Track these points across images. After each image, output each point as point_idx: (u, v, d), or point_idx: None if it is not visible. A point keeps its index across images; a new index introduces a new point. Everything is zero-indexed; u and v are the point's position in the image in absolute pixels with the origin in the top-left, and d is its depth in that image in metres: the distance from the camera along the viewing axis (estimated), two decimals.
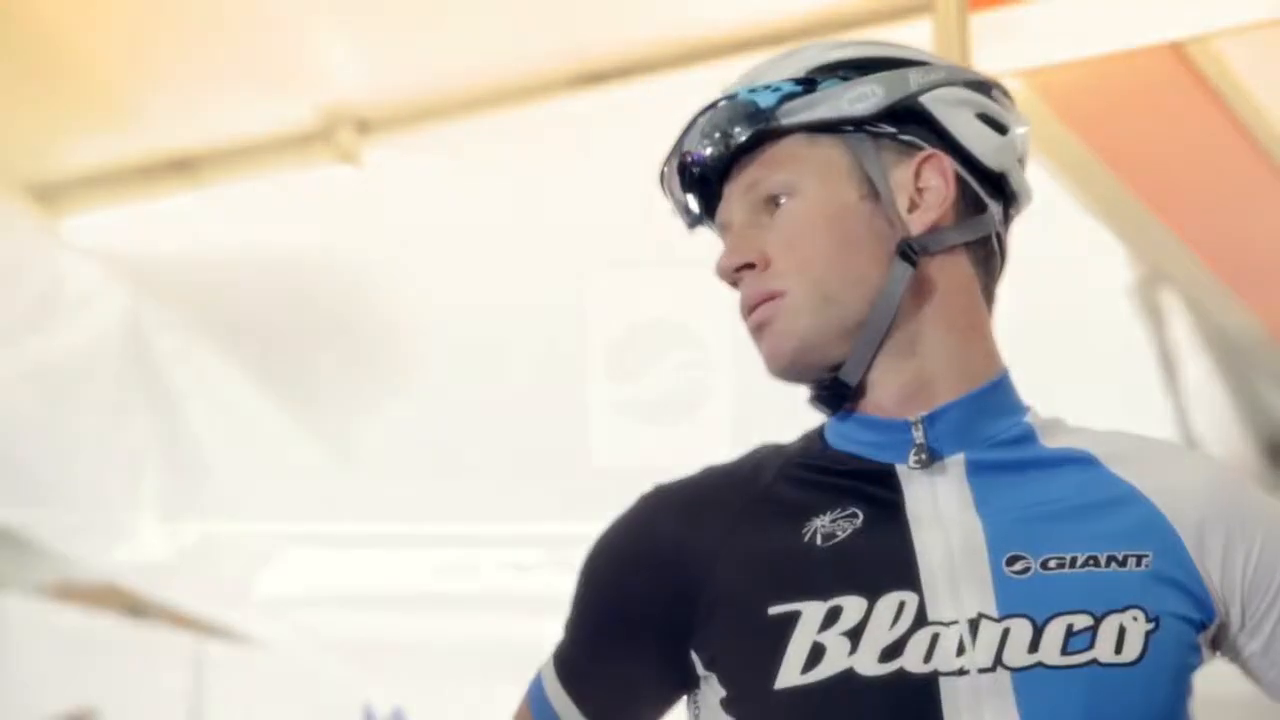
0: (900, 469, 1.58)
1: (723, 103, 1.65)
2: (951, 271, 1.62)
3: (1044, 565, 1.53)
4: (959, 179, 1.62)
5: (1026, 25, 3.36)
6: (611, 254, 3.85)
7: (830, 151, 1.62)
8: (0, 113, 3.94)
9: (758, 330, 1.62)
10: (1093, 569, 1.53)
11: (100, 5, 3.74)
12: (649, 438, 3.86)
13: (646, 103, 3.69)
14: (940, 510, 1.56)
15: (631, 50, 3.77)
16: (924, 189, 1.61)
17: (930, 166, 1.61)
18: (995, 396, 1.62)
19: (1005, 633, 1.50)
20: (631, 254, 3.72)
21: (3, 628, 4.64)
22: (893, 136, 1.62)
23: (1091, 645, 1.50)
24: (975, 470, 1.58)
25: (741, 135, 1.62)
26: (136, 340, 4.38)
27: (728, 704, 1.56)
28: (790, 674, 1.50)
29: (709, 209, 1.68)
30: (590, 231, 3.89)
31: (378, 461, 4.48)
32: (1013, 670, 1.49)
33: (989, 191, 1.64)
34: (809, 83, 1.63)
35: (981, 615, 1.51)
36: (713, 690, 1.58)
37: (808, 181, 1.61)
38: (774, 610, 1.53)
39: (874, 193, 1.61)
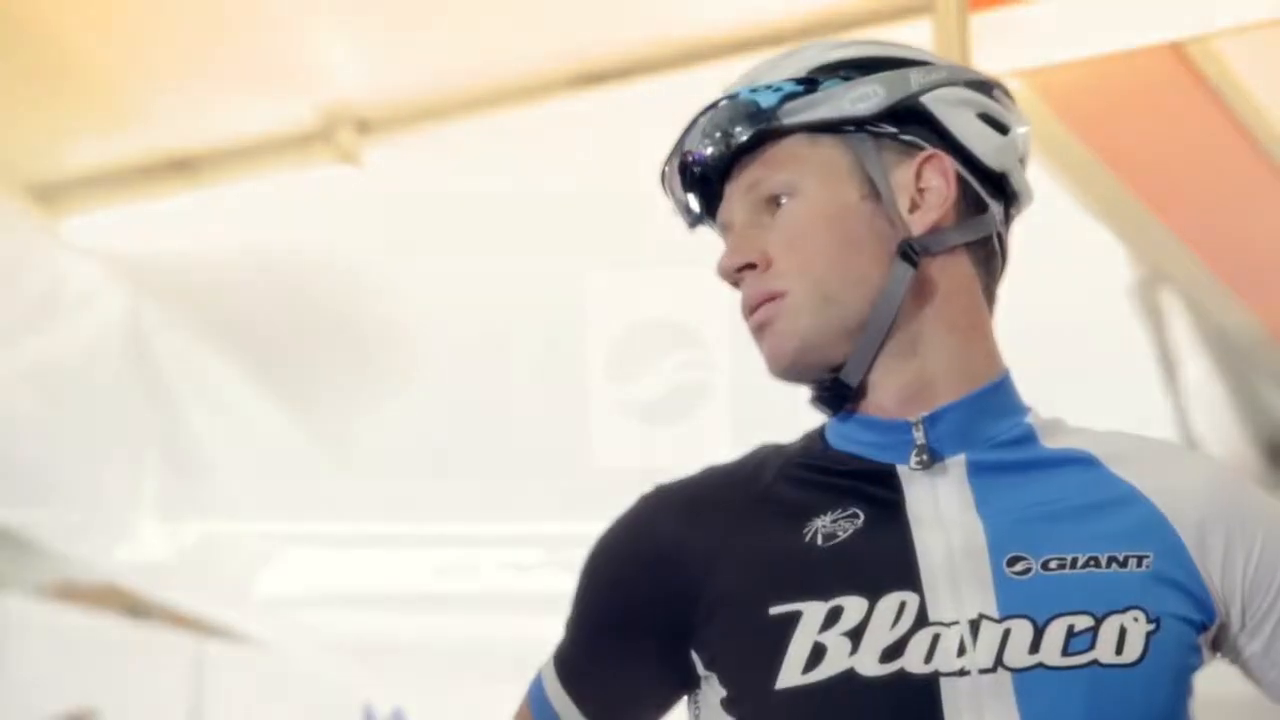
0: (901, 469, 1.58)
1: (724, 102, 1.65)
2: (953, 272, 1.62)
3: (1045, 566, 1.53)
4: (960, 179, 1.62)
5: (1026, 25, 3.36)
6: (611, 254, 3.85)
7: (831, 151, 1.62)
8: (0, 113, 3.95)
9: (759, 330, 1.62)
10: (1093, 570, 1.53)
11: (100, 6, 3.74)
12: (649, 438, 3.86)
13: (646, 103, 3.69)
14: (941, 511, 1.56)
15: (631, 50, 3.77)
16: (925, 189, 1.61)
17: (931, 167, 1.61)
18: (996, 397, 1.62)
19: (1006, 633, 1.50)
20: (631, 254, 3.72)
21: (3, 628, 4.64)
22: (894, 136, 1.62)
23: (1092, 646, 1.50)
24: (976, 471, 1.58)
25: (743, 135, 1.62)
26: (136, 340, 4.38)
27: (728, 704, 1.56)
28: (791, 674, 1.50)
29: (710, 208, 1.68)
30: (590, 231, 3.89)
31: (378, 461, 4.48)
32: (1013, 671, 1.49)
33: (990, 191, 1.64)
34: (810, 82, 1.63)
35: (982, 616, 1.51)
36: (713, 690, 1.58)
37: (809, 181, 1.61)
38: (775, 610, 1.53)
39: (875, 193, 1.61)
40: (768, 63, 1.67)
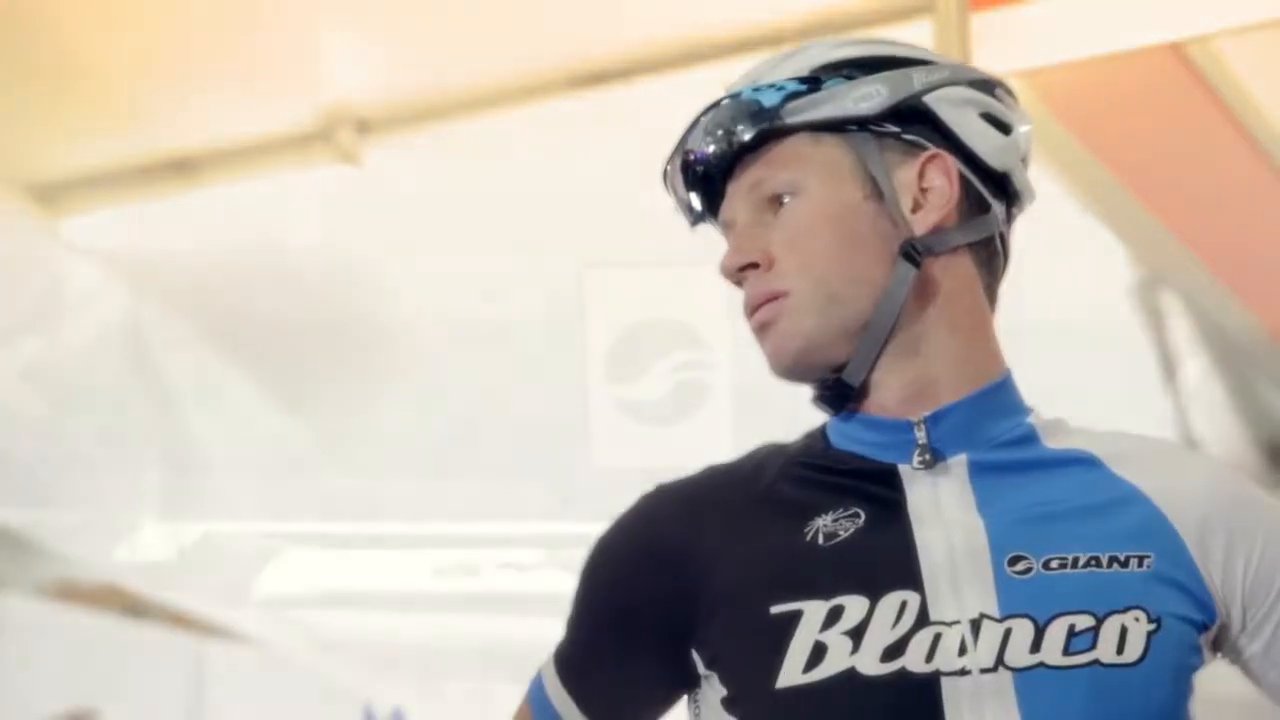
0: (903, 469, 1.58)
1: (726, 101, 1.64)
2: (955, 272, 1.62)
3: (1046, 565, 1.53)
4: (963, 179, 1.62)
5: (1026, 25, 3.37)
6: (612, 254, 3.85)
7: (834, 151, 1.62)
8: (0, 113, 3.95)
9: (761, 330, 1.62)
10: (1095, 569, 1.53)
11: (101, 6, 3.74)
12: (649, 438, 3.86)
13: (646, 103, 3.69)
14: (942, 510, 1.56)
15: (631, 50, 3.78)
16: (928, 189, 1.61)
17: (934, 166, 1.61)
18: (998, 397, 1.62)
19: (1007, 633, 1.50)
20: (631, 254, 3.72)
21: (3, 628, 4.64)
22: (897, 136, 1.61)
23: (1093, 646, 1.50)
24: (978, 471, 1.58)
25: (745, 134, 1.62)
26: (136, 340, 4.38)
27: (728, 703, 1.56)
28: (792, 673, 1.50)
29: (712, 207, 1.68)
30: (590, 231, 3.90)
31: (378, 461, 4.48)
32: (1014, 670, 1.49)
33: (992, 191, 1.64)
34: (813, 81, 1.63)
35: (983, 615, 1.51)
36: (713, 690, 1.58)
37: (811, 181, 1.61)
38: (775, 609, 1.52)
39: (878, 193, 1.61)
40: (770, 61, 1.67)
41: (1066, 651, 1.49)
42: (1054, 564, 1.53)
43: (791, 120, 1.62)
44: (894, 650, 1.49)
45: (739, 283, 1.63)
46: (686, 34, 3.69)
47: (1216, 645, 1.60)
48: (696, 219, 1.70)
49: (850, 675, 1.49)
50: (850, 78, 1.63)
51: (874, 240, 1.60)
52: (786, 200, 1.62)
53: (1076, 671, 1.49)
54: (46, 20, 3.73)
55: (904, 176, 1.61)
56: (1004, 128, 1.65)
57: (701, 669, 1.59)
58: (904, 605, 1.51)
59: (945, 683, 1.49)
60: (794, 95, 1.62)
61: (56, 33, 3.76)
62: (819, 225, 1.60)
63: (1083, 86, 3.60)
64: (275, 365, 4.43)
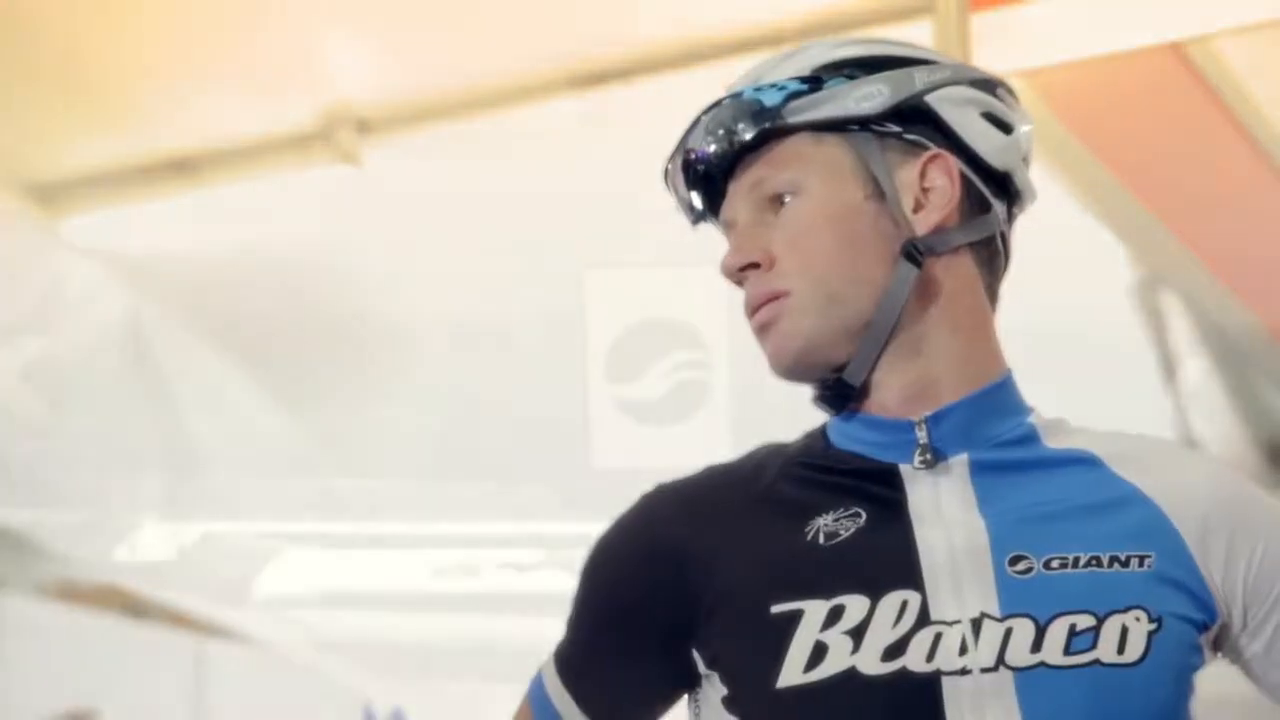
0: (904, 469, 1.58)
1: (727, 100, 1.64)
2: (956, 272, 1.62)
3: (1047, 565, 1.53)
4: (964, 179, 1.62)
5: (1027, 25, 3.37)
6: (611, 254, 3.85)
7: (835, 150, 1.61)
8: (0, 113, 3.95)
9: (762, 330, 1.62)
10: (1095, 569, 1.53)
11: (101, 6, 3.74)
12: (649, 438, 3.86)
13: (646, 103, 3.70)
14: (943, 510, 1.56)
15: (631, 51, 3.78)
16: (929, 189, 1.61)
17: (936, 166, 1.61)
18: (999, 397, 1.62)
19: (1008, 632, 1.50)
20: (631, 254, 3.72)
21: (3, 628, 4.63)
22: (898, 136, 1.61)
23: (1094, 645, 1.50)
24: (979, 470, 1.58)
25: (746, 133, 1.62)
26: (136, 340, 4.38)
27: (729, 703, 1.56)
28: (792, 673, 1.50)
29: (713, 206, 1.68)
30: (590, 231, 3.90)
31: (378, 461, 4.48)
32: (1015, 670, 1.49)
33: (993, 191, 1.64)
34: (815, 81, 1.63)
35: (984, 615, 1.51)
36: (714, 689, 1.58)
37: (813, 181, 1.61)
38: (776, 609, 1.52)
39: (879, 192, 1.61)
40: (772, 61, 1.66)
41: (1067, 651, 1.49)
42: (1055, 564, 1.53)
43: (793, 120, 1.62)
44: (895, 650, 1.49)
45: (740, 282, 1.63)
46: (686, 34, 3.69)
47: (1217, 645, 1.60)
48: (697, 218, 1.70)
49: (851, 675, 1.49)
50: (852, 77, 1.63)
51: (875, 240, 1.60)
52: (788, 200, 1.62)
53: (1077, 671, 1.49)
54: (46, 20, 3.73)
55: (905, 176, 1.61)
56: (1005, 127, 1.65)
57: (702, 668, 1.59)
58: (905, 605, 1.51)
59: (946, 682, 1.49)
60: (795, 95, 1.62)
61: (56, 33, 3.76)
62: (820, 225, 1.60)
63: (1083, 86, 3.60)
64: (275, 365, 4.43)
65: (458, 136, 3.98)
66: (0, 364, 4.27)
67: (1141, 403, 4.16)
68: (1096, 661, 1.50)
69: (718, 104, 1.65)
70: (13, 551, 4.55)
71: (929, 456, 1.57)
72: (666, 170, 1.69)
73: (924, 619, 1.50)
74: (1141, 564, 1.54)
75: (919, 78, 1.63)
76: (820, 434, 1.65)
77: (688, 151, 1.66)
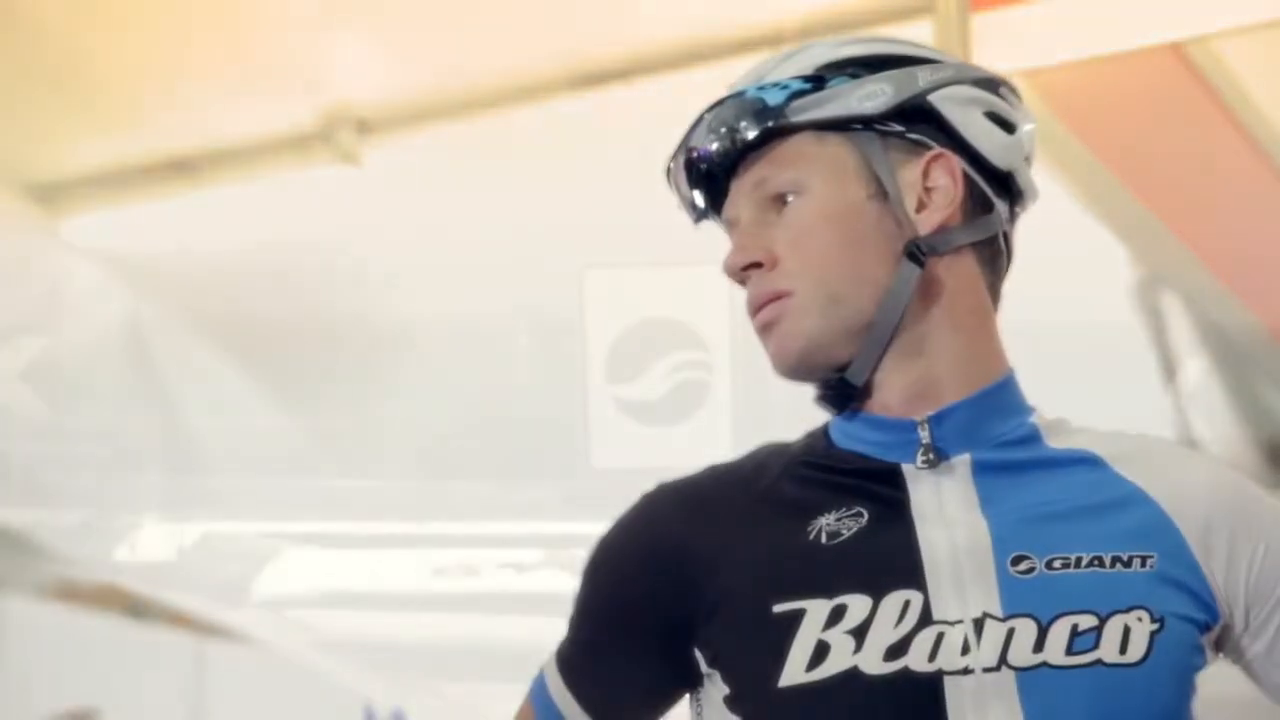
0: (906, 468, 1.58)
1: (730, 99, 1.64)
2: (959, 271, 1.62)
3: (1049, 565, 1.53)
4: (967, 178, 1.62)
5: (1027, 25, 3.37)
6: (611, 254, 3.85)
7: (838, 150, 1.61)
8: (0, 113, 3.95)
9: (765, 330, 1.62)
10: (1098, 569, 1.53)
11: (101, 6, 3.74)
12: (649, 438, 3.86)
13: (646, 104, 3.70)
14: (945, 510, 1.56)
15: (631, 51, 3.78)
16: (932, 189, 1.61)
17: (939, 166, 1.61)
18: (1001, 396, 1.62)
19: (1010, 632, 1.50)
20: (631, 254, 3.72)
21: (3, 628, 4.63)
22: (901, 135, 1.61)
23: (1096, 645, 1.50)
24: (981, 470, 1.58)
25: (749, 132, 1.62)
26: (136, 340, 4.38)
27: (731, 702, 1.56)
28: (794, 672, 1.50)
29: (715, 205, 1.68)
30: (590, 232, 3.90)
31: (378, 461, 4.47)
32: (1017, 670, 1.49)
33: (996, 190, 1.64)
34: (818, 80, 1.63)
35: (986, 615, 1.51)
36: (716, 688, 1.58)
37: (815, 180, 1.61)
38: (778, 608, 1.53)
39: (882, 192, 1.61)
40: (774, 59, 1.66)
41: (1069, 651, 1.50)
42: (1057, 564, 1.53)
43: (796, 119, 1.62)
44: (897, 649, 1.50)
45: (742, 282, 1.63)
46: (686, 34, 3.69)
47: (1219, 646, 1.60)
48: (700, 216, 1.70)
49: (853, 674, 1.49)
50: (855, 76, 1.63)
51: (878, 240, 1.60)
52: (790, 199, 1.62)
53: (1079, 671, 1.49)
54: (46, 20, 3.73)
55: (908, 176, 1.61)
56: (1008, 126, 1.65)
57: (704, 668, 1.59)
58: (907, 604, 1.51)
59: (948, 682, 1.49)
60: (798, 94, 1.62)
61: (56, 33, 3.76)
62: (823, 225, 1.60)
63: (1083, 86, 3.60)
64: (275, 365, 4.43)
65: (458, 136, 3.97)
66: (0, 364, 4.27)
67: (1141, 403, 4.16)
68: (1099, 662, 1.50)
69: (720, 102, 1.65)
70: (13, 551, 4.55)
71: (931, 456, 1.57)
72: (669, 169, 1.69)
73: (926, 619, 1.50)
74: (1144, 564, 1.54)
75: (922, 77, 1.63)
76: (822, 433, 1.65)
77: (690, 150, 1.66)
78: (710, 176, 1.66)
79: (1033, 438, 1.61)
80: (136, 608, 4.72)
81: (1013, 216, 1.67)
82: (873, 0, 3.47)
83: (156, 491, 4.52)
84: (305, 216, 4.19)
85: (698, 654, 1.59)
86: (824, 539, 1.56)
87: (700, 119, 1.65)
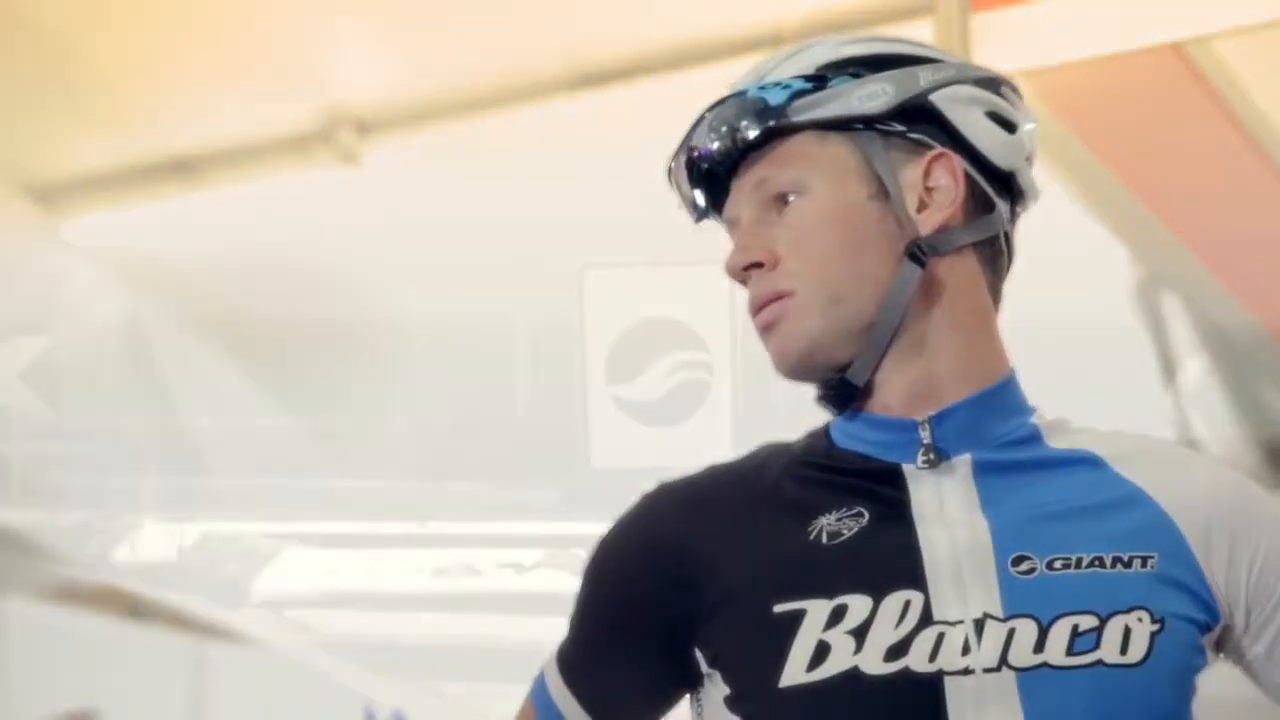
0: (907, 469, 1.58)
1: (731, 98, 1.64)
2: (960, 271, 1.61)
3: (1050, 565, 1.53)
4: (968, 178, 1.62)
5: (1027, 25, 3.37)
6: (611, 254, 3.85)
7: (840, 149, 1.61)
8: (0, 113, 3.95)
9: (766, 330, 1.61)
10: (1098, 570, 1.53)
11: (101, 6, 3.74)
12: (649, 438, 3.86)
13: (646, 104, 3.70)
14: (946, 510, 1.56)
15: (631, 51, 3.78)
16: (933, 188, 1.60)
17: (940, 165, 1.61)
18: (1002, 397, 1.62)
19: (1010, 633, 1.50)
20: (631, 254, 3.72)
21: (3, 628, 4.63)
22: (902, 135, 1.61)
23: (1097, 646, 1.50)
24: (982, 470, 1.58)
25: (750, 132, 1.62)
26: (136, 340, 4.38)
27: (731, 702, 1.56)
28: (795, 672, 1.50)
29: (716, 204, 1.68)
30: (590, 231, 3.90)
31: (378, 461, 4.48)
32: (1018, 670, 1.49)
33: (997, 190, 1.64)
34: (819, 79, 1.62)
35: (987, 615, 1.51)
36: (716, 688, 1.58)
37: (817, 180, 1.61)
38: (779, 608, 1.52)
39: (883, 192, 1.60)
40: (776, 59, 1.66)
41: (1070, 652, 1.49)
42: (1057, 564, 1.53)
43: (797, 118, 1.61)
44: (897, 650, 1.49)
45: (744, 282, 1.63)
46: (686, 34, 3.69)
47: (1219, 646, 1.60)
48: (701, 216, 1.69)
49: (853, 675, 1.49)
50: (856, 76, 1.62)
51: (879, 240, 1.59)
52: (792, 199, 1.62)
53: (1080, 672, 1.49)
54: (46, 20, 3.73)
55: (909, 175, 1.61)
56: (1009, 126, 1.64)
57: (704, 667, 1.59)
58: (907, 605, 1.51)
59: (948, 682, 1.49)
60: (800, 93, 1.62)
61: (56, 33, 3.76)
62: (824, 225, 1.60)
63: (1083, 86, 3.60)
64: (275, 365, 4.43)
65: (458, 136, 3.98)
66: (0, 364, 4.27)
67: (1141, 403, 4.16)
68: (1099, 662, 1.50)
69: (722, 102, 1.64)
70: (13, 552, 4.55)
71: (932, 456, 1.57)
72: (670, 168, 1.68)
73: (927, 619, 1.50)
74: (1144, 564, 1.54)
75: (923, 76, 1.62)
76: (823, 433, 1.65)
77: (691, 149, 1.65)
78: (711, 176, 1.66)
79: (1033, 438, 1.61)
80: (136, 608, 4.72)
81: (1014, 216, 1.67)
82: (873, 0, 3.47)
83: (156, 491, 4.52)
84: (305, 216, 4.19)
85: (698, 654, 1.58)
86: (824, 539, 1.56)
87: (701, 118, 1.65)
